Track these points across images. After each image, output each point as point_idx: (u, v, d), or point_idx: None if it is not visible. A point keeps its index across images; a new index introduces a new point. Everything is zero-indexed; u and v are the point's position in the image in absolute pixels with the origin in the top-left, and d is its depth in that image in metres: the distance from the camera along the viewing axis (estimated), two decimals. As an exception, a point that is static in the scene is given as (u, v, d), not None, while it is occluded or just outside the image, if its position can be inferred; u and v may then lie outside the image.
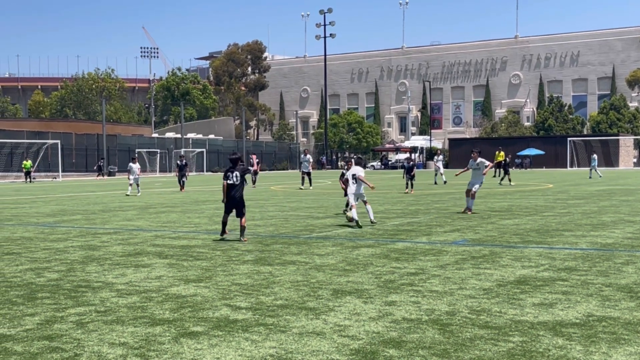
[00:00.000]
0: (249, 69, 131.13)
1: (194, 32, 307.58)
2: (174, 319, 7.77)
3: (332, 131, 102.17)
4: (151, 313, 8.06)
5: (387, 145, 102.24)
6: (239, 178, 14.82)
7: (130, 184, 34.16)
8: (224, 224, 15.14)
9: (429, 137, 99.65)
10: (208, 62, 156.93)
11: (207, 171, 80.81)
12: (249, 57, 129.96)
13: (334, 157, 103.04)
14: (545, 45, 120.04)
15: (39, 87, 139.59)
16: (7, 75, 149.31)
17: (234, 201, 14.79)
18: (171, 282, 10.04)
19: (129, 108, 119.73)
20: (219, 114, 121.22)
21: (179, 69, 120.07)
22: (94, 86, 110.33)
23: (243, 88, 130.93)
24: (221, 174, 33.27)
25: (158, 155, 77.81)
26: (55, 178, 61.66)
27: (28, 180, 56.25)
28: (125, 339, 6.96)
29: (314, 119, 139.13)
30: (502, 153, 54.40)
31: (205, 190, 39.14)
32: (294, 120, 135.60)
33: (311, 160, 38.78)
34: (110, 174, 72.67)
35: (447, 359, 6.06)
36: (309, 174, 37.65)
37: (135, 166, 34.27)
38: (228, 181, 14.85)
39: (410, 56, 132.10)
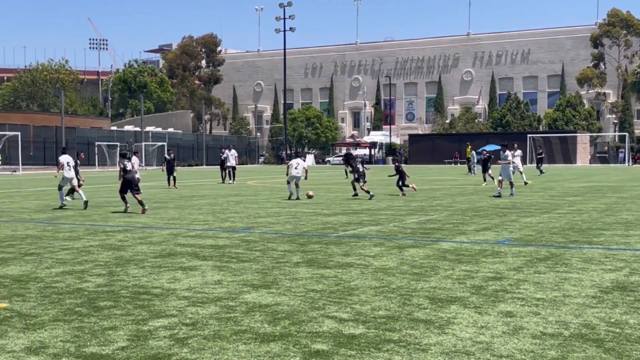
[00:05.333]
0: (203, 62, 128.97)
1: (143, 25, 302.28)
2: (281, 333, 6.80)
3: (292, 126, 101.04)
4: (249, 326, 7.07)
5: (348, 140, 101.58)
6: (133, 165, 20.84)
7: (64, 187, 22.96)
8: (124, 200, 20.26)
9: (388, 133, 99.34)
10: (158, 55, 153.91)
11: (156, 165, 78.86)
12: (203, 50, 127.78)
13: (293, 151, 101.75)
14: (496, 42, 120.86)
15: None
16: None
17: (129, 182, 19.94)
18: (238, 289, 9.04)
19: (84, 100, 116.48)
20: (174, 107, 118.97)
21: (136, 61, 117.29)
22: (47, 77, 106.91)
23: (197, 81, 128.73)
24: (193, 168, 32.80)
25: (118, 148, 75.68)
26: (15, 172, 59.28)
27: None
28: (247, 359, 5.98)
29: (267, 114, 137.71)
30: (469, 148, 54.30)
31: (181, 184, 37.75)
32: (247, 114, 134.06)
33: (236, 154, 39.61)
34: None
35: (647, 384, 5.24)
36: (234, 168, 38.47)
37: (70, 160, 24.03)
38: (125, 168, 19.98)
39: (363, 52, 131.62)
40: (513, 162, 28.05)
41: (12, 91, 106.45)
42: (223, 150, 40.34)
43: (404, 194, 26.38)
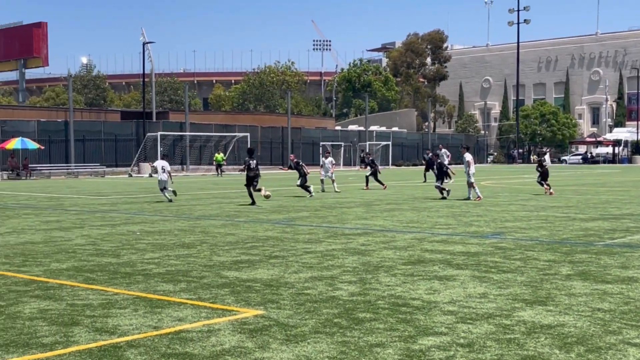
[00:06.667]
0: (428, 59, 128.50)
1: (365, 24, 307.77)
2: (579, 363, 5.93)
3: (524, 123, 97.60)
4: (537, 351, 6.26)
5: (588, 139, 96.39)
6: (255, 164, 23.77)
7: (164, 188, 25.22)
8: (250, 194, 23.56)
9: (634, 130, 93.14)
10: (381, 53, 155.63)
11: (391, 165, 79.28)
12: (428, 47, 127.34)
13: (525, 150, 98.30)
14: None
15: (214, 81, 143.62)
16: (181, 71, 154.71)
17: (251, 178, 23.54)
18: (508, 304, 8.24)
19: (308, 101, 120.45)
20: (398, 106, 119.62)
21: (360, 60, 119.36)
22: (274, 79, 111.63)
23: (421, 79, 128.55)
24: (418, 168, 33.19)
25: (342, 148, 77.24)
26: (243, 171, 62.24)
27: (219, 173, 56.85)
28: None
29: (495, 111, 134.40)
30: None
31: (409, 184, 37.23)
32: (474, 111, 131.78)
33: (449, 154, 41.32)
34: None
35: None
36: (447, 167, 39.87)
37: (165, 165, 25.50)
38: (249, 165, 23.69)
39: (605, 42, 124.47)
40: None
41: (241, 93, 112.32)
42: (427, 151, 41.60)
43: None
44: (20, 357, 6.16)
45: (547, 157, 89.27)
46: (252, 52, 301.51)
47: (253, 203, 23.39)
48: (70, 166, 55.78)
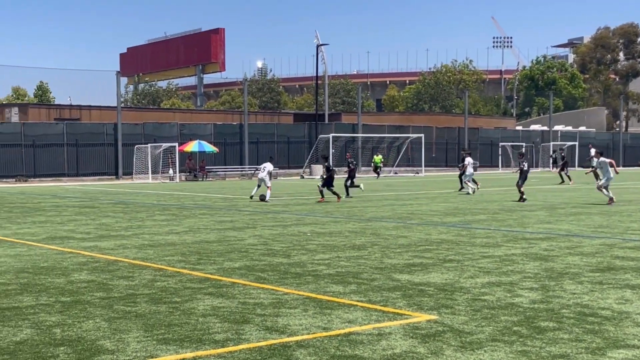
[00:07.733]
0: (621, 54, 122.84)
1: (550, 19, 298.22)
2: None
3: None
4: None
5: None
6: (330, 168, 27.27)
7: (259, 185, 27.85)
8: (321, 192, 26.80)
9: None
10: (567, 49, 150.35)
11: (578, 166, 76.30)
12: (620, 41, 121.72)
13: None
14: None
15: (388, 82, 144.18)
16: (355, 72, 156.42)
17: (328, 180, 26.80)
18: None
19: (487, 100, 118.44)
20: (585, 104, 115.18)
21: (544, 57, 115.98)
22: (451, 78, 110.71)
23: (612, 76, 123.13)
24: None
25: (523, 149, 75.04)
26: (418, 173, 62.04)
27: (376, 175, 56.62)
28: None
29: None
30: None
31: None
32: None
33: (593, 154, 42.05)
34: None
35: None
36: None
37: (266, 165, 27.65)
38: (329, 167, 27.13)
39: None
40: None
41: (416, 94, 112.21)
42: (561, 150, 44.76)
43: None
44: (193, 352, 6.40)
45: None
46: (428, 52, 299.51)
47: (322, 196, 26.92)
48: (244, 168, 57.92)
